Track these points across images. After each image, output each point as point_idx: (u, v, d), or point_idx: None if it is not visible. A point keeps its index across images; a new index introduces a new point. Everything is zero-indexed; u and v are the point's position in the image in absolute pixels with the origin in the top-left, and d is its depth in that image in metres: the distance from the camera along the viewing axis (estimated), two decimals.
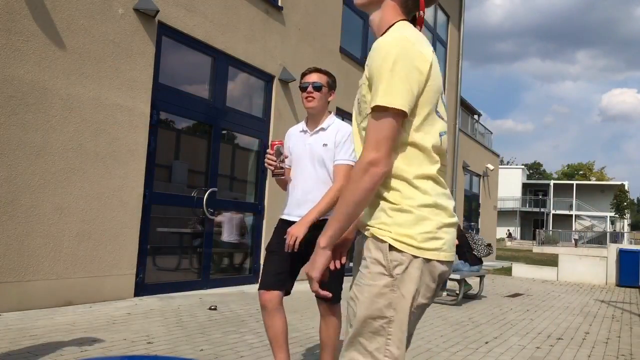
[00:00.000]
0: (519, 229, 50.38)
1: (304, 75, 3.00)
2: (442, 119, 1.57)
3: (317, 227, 2.79)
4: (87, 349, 3.57)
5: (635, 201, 75.99)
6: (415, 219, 1.46)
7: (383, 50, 1.46)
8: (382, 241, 1.48)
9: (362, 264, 1.53)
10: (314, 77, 2.93)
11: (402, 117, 1.45)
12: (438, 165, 1.54)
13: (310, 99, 2.90)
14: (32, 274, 4.74)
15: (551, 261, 15.85)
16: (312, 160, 2.89)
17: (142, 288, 5.85)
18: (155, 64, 5.94)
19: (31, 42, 4.71)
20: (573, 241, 40.45)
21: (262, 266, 2.97)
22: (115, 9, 5.44)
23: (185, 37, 6.38)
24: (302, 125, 3.05)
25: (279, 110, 7.99)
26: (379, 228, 1.48)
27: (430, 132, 1.51)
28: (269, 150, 2.87)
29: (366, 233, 1.53)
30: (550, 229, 47.50)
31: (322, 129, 2.93)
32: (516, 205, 50.45)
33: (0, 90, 4.48)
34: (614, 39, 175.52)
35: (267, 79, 7.87)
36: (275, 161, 2.86)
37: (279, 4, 7.99)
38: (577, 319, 6.46)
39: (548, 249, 29.43)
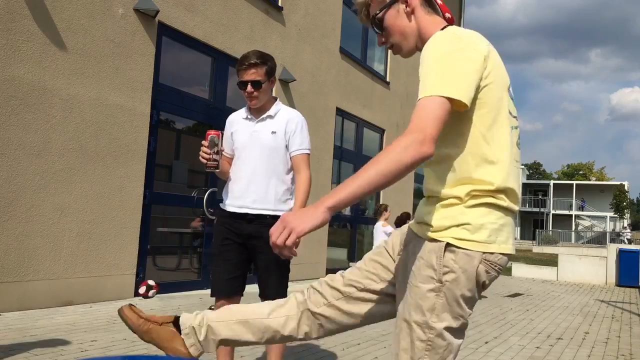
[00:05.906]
0: (518, 229, 50.39)
1: (239, 69, 2.67)
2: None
3: (265, 222, 2.63)
4: (87, 349, 3.57)
5: (635, 201, 75.99)
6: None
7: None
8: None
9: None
10: (251, 75, 2.64)
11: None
12: None
13: (251, 98, 2.67)
14: (32, 274, 4.74)
15: (551, 261, 15.84)
16: (259, 149, 2.69)
17: None
18: (155, 64, 5.93)
19: (31, 42, 4.71)
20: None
21: (211, 271, 2.76)
22: (115, 9, 5.44)
23: (185, 37, 6.38)
24: (244, 111, 2.79)
25: None
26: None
27: None
28: (203, 142, 2.61)
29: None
30: (550, 229, 47.48)
31: (270, 117, 2.73)
32: None
33: (0, 90, 4.48)
34: (627, 37, 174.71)
35: None
36: (209, 153, 2.59)
37: (279, 4, 7.99)
38: (577, 319, 6.46)
39: (548, 249, 29.39)
